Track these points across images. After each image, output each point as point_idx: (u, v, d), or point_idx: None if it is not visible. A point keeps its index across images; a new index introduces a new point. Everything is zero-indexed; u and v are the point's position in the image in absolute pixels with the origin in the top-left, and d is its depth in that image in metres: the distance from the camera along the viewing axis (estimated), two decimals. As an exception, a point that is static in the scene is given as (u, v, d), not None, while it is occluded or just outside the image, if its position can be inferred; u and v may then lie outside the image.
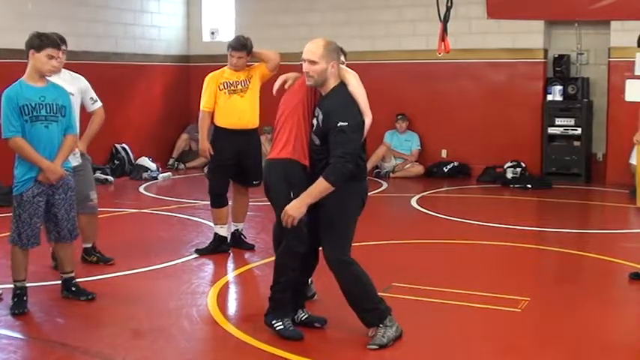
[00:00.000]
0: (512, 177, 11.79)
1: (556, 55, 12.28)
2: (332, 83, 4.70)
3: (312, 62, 4.63)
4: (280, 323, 4.84)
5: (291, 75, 5.01)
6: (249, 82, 7.06)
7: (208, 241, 7.31)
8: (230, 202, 7.30)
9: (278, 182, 4.78)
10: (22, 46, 5.42)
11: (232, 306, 5.93)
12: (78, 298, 5.65)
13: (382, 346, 4.67)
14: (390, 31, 13.07)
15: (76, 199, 5.70)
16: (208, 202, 7.42)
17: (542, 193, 11.10)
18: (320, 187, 4.51)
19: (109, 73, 12.21)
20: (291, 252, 4.79)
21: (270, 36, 12.79)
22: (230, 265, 6.96)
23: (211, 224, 7.61)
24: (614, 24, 11.65)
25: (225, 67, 7.15)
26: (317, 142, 4.73)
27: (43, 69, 5.34)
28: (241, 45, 7.04)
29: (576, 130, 11.93)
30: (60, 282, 5.74)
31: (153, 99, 13.84)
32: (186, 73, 14.39)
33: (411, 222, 9.39)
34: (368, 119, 4.68)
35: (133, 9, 13.43)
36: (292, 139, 4.75)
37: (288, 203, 4.64)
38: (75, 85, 6.27)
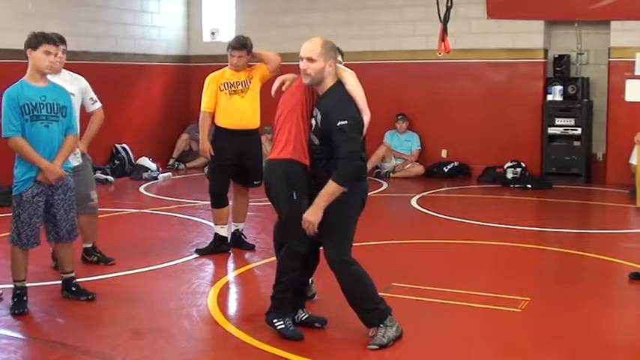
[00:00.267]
0: (513, 177, 11.80)
1: (556, 55, 12.28)
2: (329, 82, 4.71)
3: (310, 60, 4.63)
4: (281, 322, 4.84)
5: (289, 76, 5.02)
6: (250, 82, 7.06)
7: (208, 241, 7.31)
8: (230, 202, 7.31)
9: (279, 182, 4.79)
10: (22, 46, 5.43)
11: (232, 306, 5.93)
12: (78, 298, 5.65)
13: (382, 346, 4.67)
14: (390, 31, 13.07)
15: (76, 198, 5.71)
16: (208, 202, 7.42)
17: (542, 193, 11.10)
18: (330, 189, 4.55)
19: (109, 73, 12.21)
20: (292, 252, 4.79)
21: (270, 36, 12.79)
22: (230, 265, 6.96)
23: (211, 224, 7.61)
24: (614, 24, 11.65)
25: (225, 68, 7.15)
26: (316, 142, 4.74)
27: (41, 66, 5.34)
28: (241, 44, 7.04)
29: (576, 130, 11.94)
30: (60, 282, 5.74)
31: (153, 99, 13.84)
32: (187, 73, 14.39)
33: (411, 222, 9.39)
34: (367, 118, 4.69)
35: (133, 9, 13.43)
36: (292, 139, 4.76)
37: (290, 203, 4.69)
38: (75, 86, 6.28)
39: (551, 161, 12.14)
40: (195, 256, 7.07)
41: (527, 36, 12.32)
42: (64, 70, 6.25)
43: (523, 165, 12.00)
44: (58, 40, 5.63)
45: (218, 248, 7.16)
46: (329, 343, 4.91)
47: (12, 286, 5.48)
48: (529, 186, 11.45)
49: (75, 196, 5.64)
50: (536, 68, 12.41)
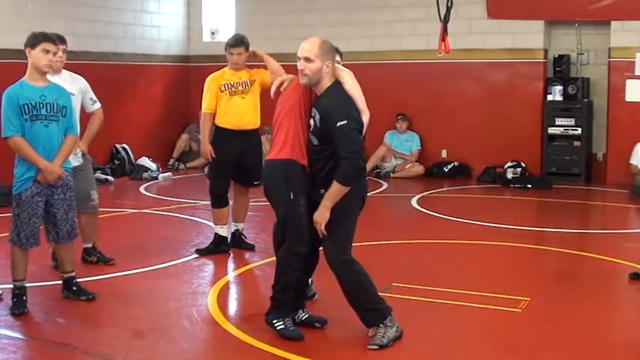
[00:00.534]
0: (513, 177, 11.79)
1: (556, 55, 12.27)
2: (327, 83, 4.71)
3: (308, 60, 4.63)
4: (281, 322, 4.84)
5: (287, 77, 5.04)
6: (251, 84, 7.06)
7: (208, 241, 7.31)
8: (230, 202, 7.31)
9: (278, 182, 4.79)
10: (23, 47, 5.42)
11: (232, 306, 5.93)
12: (78, 298, 5.65)
13: (382, 346, 4.67)
14: (389, 31, 13.06)
15: (77, 198, 5.71)
16: (208, 202, 7.43)
17: (543, 193, 11.10)
18: (335, 190, 4.57)
19: (109, 74, 12.20)
20: (292, 252, 4.79)
21: (270, 36, 12.80)
22: (230, 265, 6.96)
23: (211, 224, 7.61)
24: (614, 24, 11.65)
25: (225, 69, 7.14)
26: (315, 142, 4.74)
27: (40, 64, 5.34)
28: (239, 40, 7.06)
29: (576, 130, 11.93)
30: (60, 282, 5.74)
31: (153, 99, 13.84)
32: (187, 73, 14.39)
33: (411, 222, 9.39)
34: (366, 117, 4.69)
35: (133, 9, 13.43)
36: (290, 139, 4.76)
37: (289, 203, 4.69)
38: (75, 86, 6.28)
39: (551, 161, 12.14)
40: (195, 256, 7.07)
41: (527, 36, 12.31)
42: (63, 70, 6.26)
43: (523, 165, 11.99)
44: (57, 39, 5.63)
45: (218, 248, 7.16)
46: (329, 343, 4.91)
47: (12, 286, 5.48)
48: (529, 186, 11.45)
49: (75, 195, 5.64)
50: (537, 68, 12.40)
